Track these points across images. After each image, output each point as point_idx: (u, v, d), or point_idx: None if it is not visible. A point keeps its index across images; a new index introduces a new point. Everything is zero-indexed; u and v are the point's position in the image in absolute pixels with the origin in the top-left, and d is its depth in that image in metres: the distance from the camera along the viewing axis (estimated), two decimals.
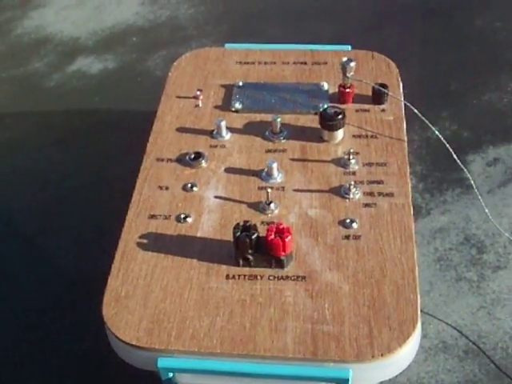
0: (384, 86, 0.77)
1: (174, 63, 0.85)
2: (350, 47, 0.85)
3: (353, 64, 0.74)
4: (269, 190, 0.66)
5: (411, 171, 0.72)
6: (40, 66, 1.15)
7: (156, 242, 0.65)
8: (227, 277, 0.62)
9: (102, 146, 0.99)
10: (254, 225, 0.61)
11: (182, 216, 0.67)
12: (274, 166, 0.69)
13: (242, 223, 0.61)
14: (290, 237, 0.60)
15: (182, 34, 1.19)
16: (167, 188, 0.70)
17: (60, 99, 1.08)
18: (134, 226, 0.67)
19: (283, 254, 0.61)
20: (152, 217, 0.67)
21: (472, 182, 0.74)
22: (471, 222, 0.83)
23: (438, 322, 0.74)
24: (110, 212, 0.82)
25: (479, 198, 0.74)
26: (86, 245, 0.85)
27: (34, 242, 0.86)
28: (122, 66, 1.13)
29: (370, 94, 0.77)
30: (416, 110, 0.73)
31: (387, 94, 0.76)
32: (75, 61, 1.16)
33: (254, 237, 0.60)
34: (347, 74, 0.75)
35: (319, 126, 0.73)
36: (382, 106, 0.77)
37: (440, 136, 0.73)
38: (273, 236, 0.60)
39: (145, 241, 0.65)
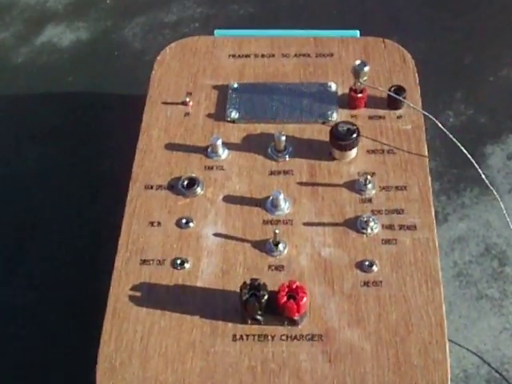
0: (401, 88, 0.67)
1: (158, 57, 0.74)
2: (358, 33, 0.75)
3: (367, 69, 0.64)
4: (277, 231, 0.58)
5: None
6: (6, 37, 1.02)
7: (150, 295, 0.58)
8: (234, 337, 0.55)
9: (83, 138, 0.89)
10: (264, 284, 0.54)
11: (179, 261, 0.59)
12: (281, 197, 0.61)
13: (249, 281, 0.54)
14: (305, 298, 0.53)
15: None
16: (159, 224, 0.62)
17: (30, 79, 0.97)
18: (125, 275, 0.59)
19: (297, 315, 0.54)
20: (144, 262, 0.59)
21: (488, 184, 0.66)
22: (492, 229, 0.76)
23: (458, 349, 0.69)
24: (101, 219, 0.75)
25: (499, 200, 0.67)
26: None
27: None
28: (96, 36, 1.01)
29: (384, 95, 0.68)
30: (439, 124, 0.64)
31: (405, 101, 0.66)
32: (44, 30, 1.03)
33: (264, 300, 0.53)
34: (360, 80, 0.65)
35: (328, 139, 0.65)
36: (399, 112, 0.68)
37: (452, 138, 0.65)
38: (285, 298, 0.53)
39: (138, 293, 0.58)
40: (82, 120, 0.90)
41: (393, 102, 0.67)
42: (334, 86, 0.69)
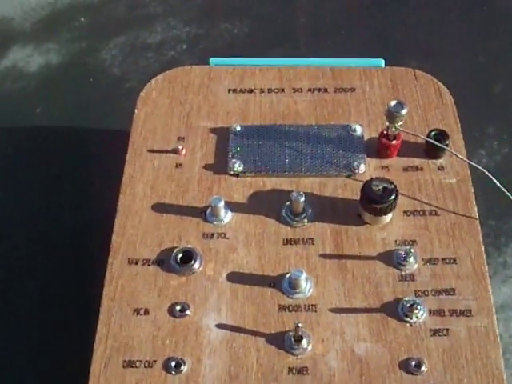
0: (443, 134, 0.55)
1: (141, 93, 0.61)
2: (383, 62, 0.63)
3: (404, 111, 0.52)
4: (299, 325, 0.45)
5: None
6: None
7: None
8: None
9: (52, 181, 0.76)
10: None
11: (173, 363, 0.46)
12: (302, 277, 0.48)
13: None
14: None
15: (143, 13, 0.93)
16: (147, 312, 0.49)
17: None
18: (104, 380, 0.46)
19: None
20: (128, 364, 0.46)
21: None
22: None
23: None
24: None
25: None
26: None
27: None
28: (68, 59, 0.88)
29: (419, 140, 0.56)
30: (493, 178, 0.52)
31: (451, 151, 0.54)
32: (9, 52, 0.90)
33: None
34: (396, 124, 0.53)
35: (356, 198, 0.52)
36: (439, 162, 0.55)
37: (507, 192, 0.53)
38: None
39: None
40: (51, 159, 0.77)
41: (432, 149, 0.55)
42: (359, 130, 0.57)
